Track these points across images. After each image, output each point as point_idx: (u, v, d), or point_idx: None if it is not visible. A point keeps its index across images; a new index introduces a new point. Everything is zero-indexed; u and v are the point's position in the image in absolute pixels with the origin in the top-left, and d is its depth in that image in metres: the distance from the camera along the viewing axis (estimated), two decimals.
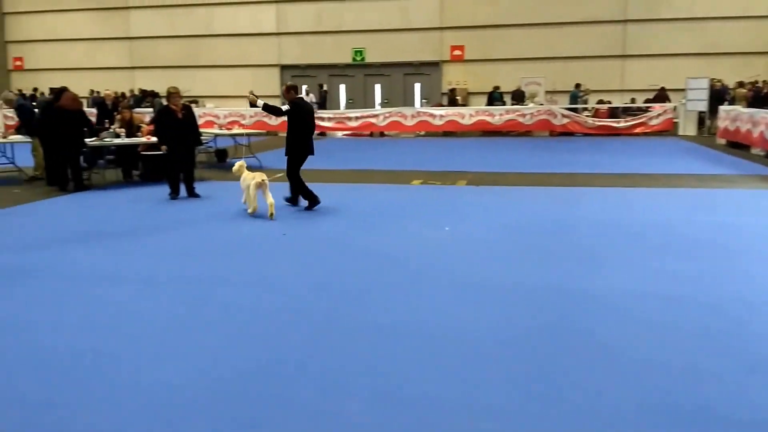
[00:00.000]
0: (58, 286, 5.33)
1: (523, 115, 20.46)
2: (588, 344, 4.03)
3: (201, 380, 3.60)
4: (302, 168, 8.74)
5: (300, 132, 8.54)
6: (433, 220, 7.92)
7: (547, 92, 22.40)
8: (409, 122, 20.97)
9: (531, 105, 21.24)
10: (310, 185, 8.82)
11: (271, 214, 7.85)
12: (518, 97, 22.00)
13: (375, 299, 4.96)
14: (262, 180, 8.02)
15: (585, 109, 21.55)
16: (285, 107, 8.65)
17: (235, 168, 8.76)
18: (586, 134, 20.15)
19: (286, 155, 8.63)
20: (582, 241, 6.76)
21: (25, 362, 3.86)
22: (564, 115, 20.36)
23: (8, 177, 11.53)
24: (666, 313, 4.55)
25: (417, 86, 24.99)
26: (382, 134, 21.70)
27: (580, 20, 22.88)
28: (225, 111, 21.74)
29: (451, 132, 20.97)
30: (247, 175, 8.40)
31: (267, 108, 9.13)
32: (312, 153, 8.84)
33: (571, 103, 21.46)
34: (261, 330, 4.34)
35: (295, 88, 8.81)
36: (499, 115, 20.58)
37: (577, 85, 21.88)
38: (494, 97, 22.02)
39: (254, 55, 24.85)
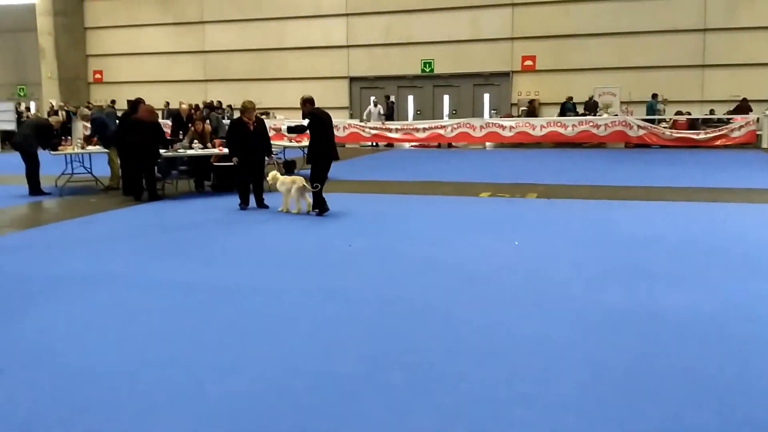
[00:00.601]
0: (130, 295, 5.38)
1: (597, 126, 19.85)
2: (672, 367, 3.76)
3: (269, 391, 3.53)
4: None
5: (321, 140, 8.85)
6: (502, 233, 7.71)
7: (622, 102, 21.68)
8: (478, 133, 20.69)
9: (605, 116, 20.60)
10: (378, 196, 8.75)
11: (309, 211, 8.92)
12: (591, 107, 21.39)
13: (443, 314, 4.80)
14: (303, 185, 8.82)
15: (662, 120, 20.72)
16: (305, 121, 8.91)
17: (270, 178, 9.35)
18: (663, 146, 19.36)
19: (309, 163, 9.01)
20: (659, 257, 6.42)
21: (93, 369, 3.85)
22: (640, 127, 19.64)
23: (86, 186, 11.93)
24: (750, 335, 4.22)
25: (486, 97, 24.67)
26: (449, 145, 21.50)
27: (657, 29, 22.08)
28: (294, 123, 21.96)
29: (522, 143, 20.55)
30: (285, 179, 9.13)
31: (292, 130, 9.93)
32: (336, 158, 9.42)
33: (647, 114, 20.69)
34: (327, 342, 4.25)
35: (311, 101, 9.17)
36: (571, 126, 20.04)
37: (654, 96, 21.07)
38: (567, 108, 21.48)
39: (323, 68, 25.13)
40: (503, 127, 20.60)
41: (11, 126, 22.02)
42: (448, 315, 4.79)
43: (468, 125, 20.82)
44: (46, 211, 9.94)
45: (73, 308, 5.04)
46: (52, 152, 11.48)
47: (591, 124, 19.95)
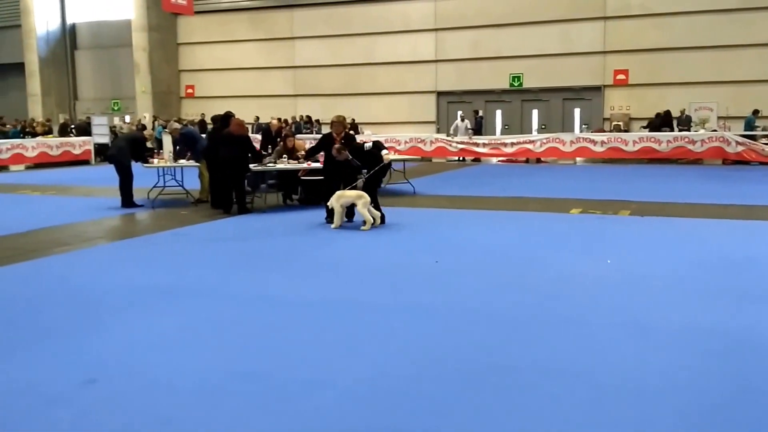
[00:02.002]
0: (218, 307, 5.35)
1: (693, 142, 18.84)
2: None
3: (357, 406, 3.48)
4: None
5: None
6: (594, 251, 7.37)
7: (720, 118, 20.50)
8: (568, 148, 20.02)
9: (701, 131, 19.52)
10: (464, 212, 8.51)
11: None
12: (685, 122, 20.36)
13: (534, 333, 4.63)
14: (360, 195, 8.80)
15: (765, 136, 19.44)
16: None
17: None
18: (763, 163, 18.13)
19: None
20: (761, 279, 5.97)
21: (181, 381, 3.80)
22: (738, 143, 18.46)
23: (177, 199, 12.23)
24: None
25: (576, 111, 23.93)
26: (538, 161, 20.92)
27: (756, 42, 20.82)
28: (381, 137, 21.95)
29: (613, 159, 19.75)
30: (345, 193, 8.93)
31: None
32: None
33: (746, 130, 19.45)
34: (416, 357, 4.17)
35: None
36: (666, 142, 19.08)
37: (755, 112, 19.82)
38: (664, 123, 20.51)
39: (411, 82, 25.10)
40: (594, 142, 19.85)
41: (106, 139, 23.12)
42: (538, 334, 4.63)
43: (558, 140, 20.20)
44: (137, 222, 10.21)
45: (163, 320, 5.04)
46: (144, 165, 11.84)
47: (686, 140, 18.97)
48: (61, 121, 24.45)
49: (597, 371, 3.91)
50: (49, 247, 7.75)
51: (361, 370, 3.99)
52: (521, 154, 20.72)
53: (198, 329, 4.81)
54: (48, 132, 22.45)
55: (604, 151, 19.73)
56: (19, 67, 29.35)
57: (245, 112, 19.71)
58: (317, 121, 24.73)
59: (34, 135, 21.68)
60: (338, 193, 8.81)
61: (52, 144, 20.71)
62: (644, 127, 21.00)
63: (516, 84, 24.07)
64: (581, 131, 22.52)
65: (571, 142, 20.05)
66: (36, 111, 28.53)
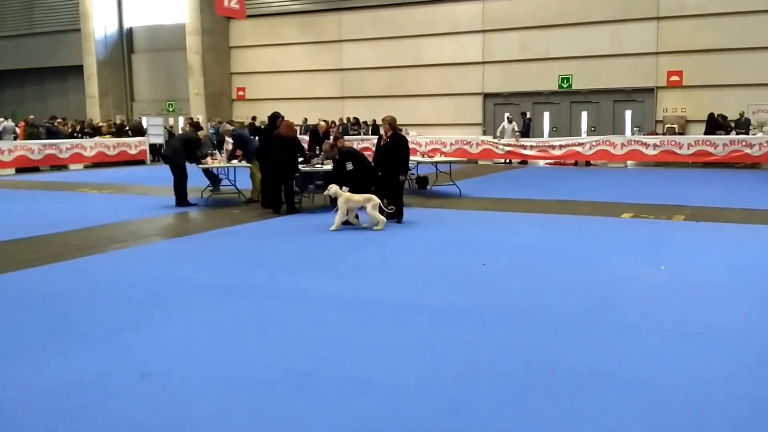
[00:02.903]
0: (268, 305, 5.46)
1: (750, 146, 18.27)
2: None
3: (407, 408, 3.49)
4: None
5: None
6: (646, 256, 7.24)
7: None
8: (619, 151, 19.65)
9: (759, 135, 18.91)
10: (511, 214, 8.41)
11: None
12: (744, 125, 19.74)
13: (586, 339, 4.57)
14: (369, 198, 9.00)
15: None
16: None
17: (332, 192, 9.17)
18: None
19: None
20: None
21: (233, 376, 3.90)
22: None
23: (229, 198, 12.50)
24: None
25: (628, 113, 23.45)
26: (587, 163, 20.60)
27: None
28: (426, 139, 22.08)
29: (666, 162, 19.30)
30: (358, 197, 9.06)
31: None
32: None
33: None
34: (465, 361, 4.17)
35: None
36: (722, 146, 18.55)
37: None
38: (711, 126, 19.97)
39: (457, 84, 25.01)
40: (646, 145, 19.44)
41: (160, 140, 23.78)
42: (591, 339, 4.58)
43: (608, 143, 19.85)
44: (191, 221, 10.47)
45: (216, 316, 5.17)
46: (198, 166, 12.13)
47: (743, 143, 18.42)
48: (118, 122, 25.19)
49: (651, 378, 3.85)
50: (106, 244, 8.03)
51: (410, 370, 4.01)
52: (570, 157, 20.45)
53: (250, 326, 4.92)
54: (112, 133, 23.21)
55: (656, 155, 19.32)
56: (78, 70, 30.37)
57: (293, 114, 19.97)
58: (364, 122, 24.89)
59: (92, 135, 22.41)
60: (346, 196, 8.96)
61: (109, 144, 21.43)
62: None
63: (565, 85, 23.74)
64: (632, 133, 22.07)
65: (622, 144, 19.69)
66: (94, 112, 29.48)
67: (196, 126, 13.98)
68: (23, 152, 18.90)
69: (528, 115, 22.91)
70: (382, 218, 8.94)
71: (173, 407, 3.52)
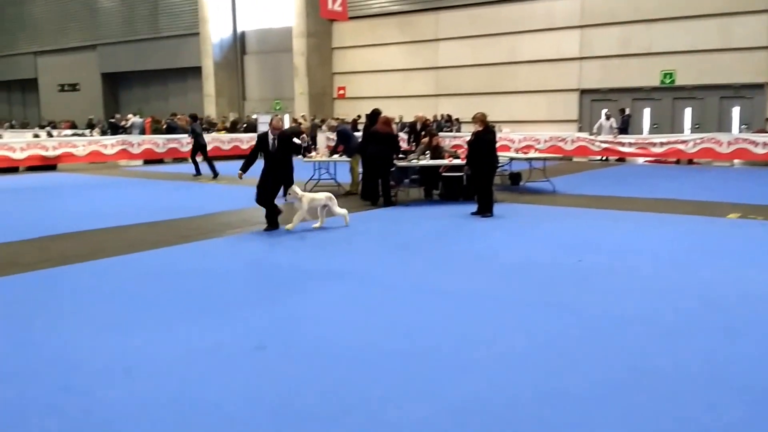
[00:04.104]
0: (367, 291, 5.89)
1: None
2: None
3: (494, 396, 3.66)
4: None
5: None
6: (756, 259, 6.98)
7: None
8: (725, 150, 18.84)
9: None
10: (608, 212, 8.36)
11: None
12: None
13: (683, 340, 4.54)
14: (330, 197, 9.12)
15: None
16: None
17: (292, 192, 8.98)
18: None
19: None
20: None
21: (340, 353, 4.31)
22: None
23: (329, 191, 13.12)
24: None
25: (735, 110, 22.38)
26: (690, 162, 19.90)
27: None
28: (520, 135, 22.05)
29: None
30: (317, 196, 9.15)
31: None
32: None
33: None
34: (557, 357, 4.26)
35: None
36: None
37: None
38: None
39: (553, 80, 24.74)
40: (756, 144, 18.51)
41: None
42: (689, 341, 4.51)
43: (713, 140, 19.07)
44: (295, 211, 11.13)
45: (320, 299, 5.64)
46: (303, 159, 12.86)
47: None
48: (232, 119, 26.71)
49: (748, 384, 3.79)
50: (223, 229, 8.79)
51: (504, 360, 4.18)
52: (671, 155, 19.82)
53: (350, 308, 5.36)
54: (226, 129, 24.82)
55: (766, 154, 18.40)
56: (197, 71, 32.58)
57: (389, 112, 20.45)
58: (457, 119, 25.13)
59: (208, 131, 23.96)
60: (309, 195, 9.07)
61: (224, 139, 22.99)
62: None
63: (668, 81, 22.97)
64: (740, 131, 21.08)
65: (729, 142, 18.86)
66: (210, 110, 31.49)
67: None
68: (150, 145, 20.70)
69: (627, 111, 22.36)
70: (344, 210, 9.19)
71: (285, 378, 3.95)
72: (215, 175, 15.83)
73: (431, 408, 3.50)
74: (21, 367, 4.10)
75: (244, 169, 9.01)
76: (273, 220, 8.90)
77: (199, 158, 16.43)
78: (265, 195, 8.83)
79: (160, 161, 21.12)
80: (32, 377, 3.94)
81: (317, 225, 8.93)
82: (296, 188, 8.89)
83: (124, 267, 6.87)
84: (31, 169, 18.74)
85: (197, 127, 17.18)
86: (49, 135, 23.24)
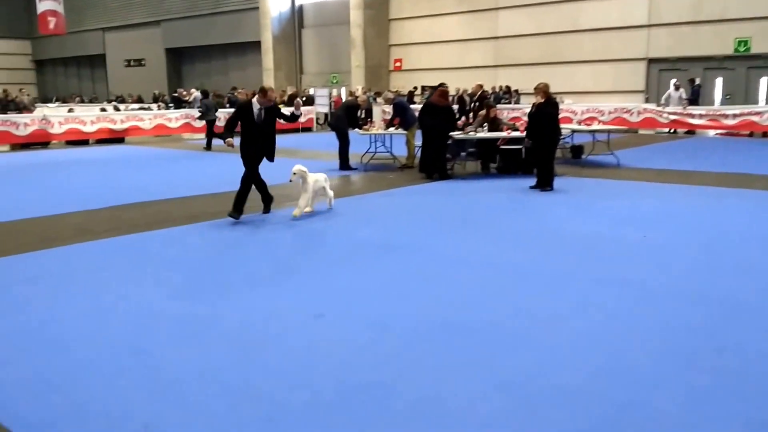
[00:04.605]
0: (421, 263, 5.91)
1: None
2: None
3: (555, 370, 3.65)
4: None
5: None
6: None
7: None
8: None
9: None
10: (675, 186, 8.08)
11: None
12: None
13: (759, 318, 4.40)
14: (326, 177, 8.47)
15: None
16: None
17: (297, 171, 7.96)
18: None
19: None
20: None
21: (393, 324, 4.37)
22: None
23: (385, 164, 13.17)
24: None
25: None
26: (765, 135, 19.00)
27: None
28: (583, 107, 21.47)
29: None
30: (317, 176, 8.19)
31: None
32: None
33: None
34: (620, 334, 4.19)
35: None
36: None
37: None
38: None
39: (618, 49, 23.89)
40: None
41: (325, 109, 25.33)
42: (760, 323, 4.33)
43: None
44: (352, 184, 11.24)
45: (374, 271, 5.71)
46: (359, 132, 12.91)
47: None
48: (289, 92, 26.96)
49: None
50: (282, 201, 8.93)
51: (564, 335, 4.14)
52: (744, 127, 18.95)
53: (406, 281, 5.39)
54: (284, 102, 25.05)
55: None
56: (256, 45, 32.96)
57: (449, 84, 20.23)
58: (516, 91, 24.63)
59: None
60: (315, 176, 8.13)
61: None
62: None
63: (742, 49, 21.87)
64: None
65: None
66: (269, 84, 31.75)
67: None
68: None
69: (697, 81, 21.46)
70: (332, 193, 8.58)
71: (341, 346, 4.03)
72: (208, 147, 17.16)
73: (489, 381, 3.51)
74: (94, 331, 4.31)
75: (229, 135, 8.03)
76: (267, 199, 8.34)
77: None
78: (254, 171, 8.05)
79: (221, 135, 21.54)
80: (105, 340, 4.14)
81: (308, 209, 8.05)
82: (303, 167, 7.99)
83: (188, 236, 7.10)
84: (100, 141, 19.47)
85: (209, 102, 18.09)
86: (116, 109, 24.00)
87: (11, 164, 14.58)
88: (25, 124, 17.90)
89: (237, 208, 7.74)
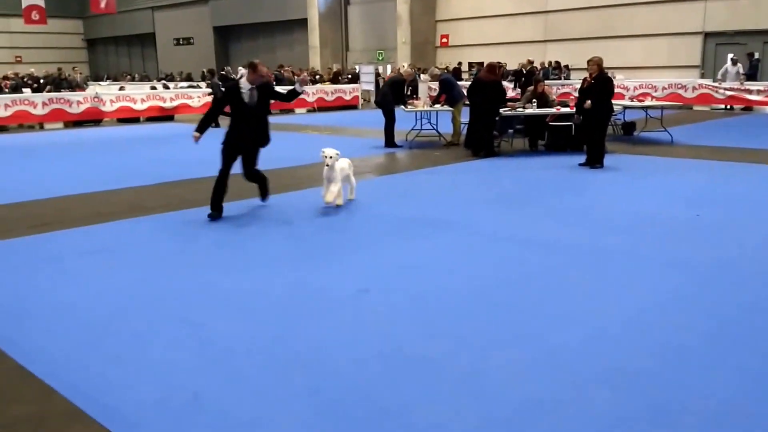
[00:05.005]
0: (467, 240, 5.89)
1: None
2: None
3: (600, 348, 3.61)
4: None
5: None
6: None
7: None
8: None
9: None
10: (731, 164, 7.81)
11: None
12: None
13: None
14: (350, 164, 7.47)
15: None
16: None
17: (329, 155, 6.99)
18: None
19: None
20: None
21: (441, 299, 4.37)
22: None
23: (431, 141, 13.09)
24: None
25: None
26: None
27: None
28: (635, 82, 20.88)
29: None
30: (343, 164, 7.26)
31: None
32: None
33: None
34: (670, 312, 4.12)
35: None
36: None
37: None
38: None
39: (673, 23, 23.08)
40: None
41: (371, 86, 25.21)
42: None
43: None
44: (398, 161, 11.21)
45: (419, 247, 5.70)
46: (405, 109, 12.83)
47: None
48: (335, 70, 26.99)
49: None
50: (311, 182, 8.97)
51: (613, 313, 4.08)
52: None
53: (452, 257, 5.38)
54: (330, 80, 25.16)
55: None
56: (302, 23, 33.06)
57: (495, 60, 19.92)
58: (566, 66, 24.06)
59: (314, 82, 24.36)
60: (340, 164, 7.13)
61: (328, 90, 23.32)
62: None
63: None
64: None
65: None
66: (315, 61, 31.92)
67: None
68: None
69: (756, 56, 20.60)
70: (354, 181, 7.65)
71: (388, 320, 4.06)
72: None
73: (535, 358, 3.49)
74: (147, 303, 4.43)
75: (201, 129, 6.90)
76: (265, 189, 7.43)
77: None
78: (251, 165, 7.13)
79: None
80: (157, 312, 4.25)
81: (338, 202, 7.22)
82: (334, 151, 6.99)
83: (236, 212, 7.20)
84: (150, 119, 19.87)
85: (215, 83, 18.10)
86: (166, 87, 24.41)
87: (65, 141, 15.02)
88: (78, 102, 18.38)
89: (214, 207, 6.82)
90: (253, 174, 7.17)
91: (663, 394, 3.07)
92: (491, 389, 3.14)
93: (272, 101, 7.17)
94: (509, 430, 2.80)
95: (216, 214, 6.79)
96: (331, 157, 6.86)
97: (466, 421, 2.87)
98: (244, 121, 6.80)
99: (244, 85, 6.74)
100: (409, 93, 14.78)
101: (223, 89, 5.89)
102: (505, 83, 16.34)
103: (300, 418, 2.93)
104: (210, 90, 18.98)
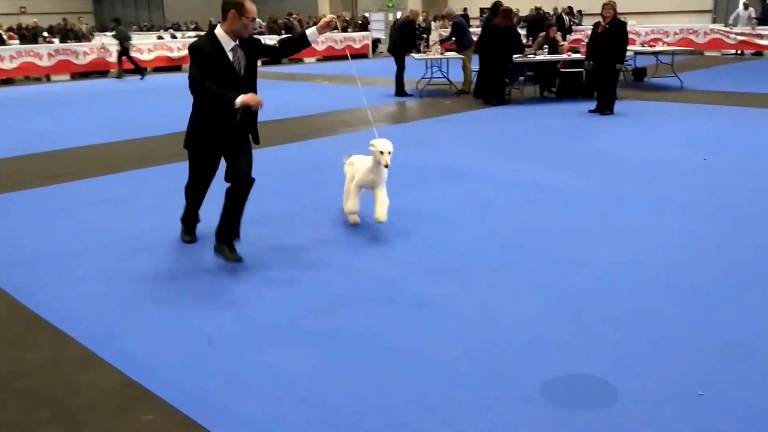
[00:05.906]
0: (481, 188, 5.91)
1: None
2: None
3: (608, 290, 3.66)
4: None
5: None
6: None
7: None
8: None
9: None
10: (741, 109, 7.70)
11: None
12: None
13: None
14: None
15: None
16: None
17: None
18: None
19: None
20: None
21: (462, 244, 4.43)
22: None
23: (441, 90, 12.97)
24: None
25: None
26: None
27: None
28: (647, 28, 20.47)
29: None
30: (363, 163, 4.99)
31: None
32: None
33: None
34: (681, 257, 4.16)
35: None
36: None
37: None
38: None
39: None
40: None
41: (381, 34, 24.85)
42: None
43: None
44: (408, 110, 11.15)
45: (436, 195, 5.72)
46: (416, 57, 12.66)
47: None
48: (346, 17, 26.61)
49: None
50: (338, 127, 8.99)
51: (621, 254, 4.14)
52: None
53: (464, 205, 5.41)
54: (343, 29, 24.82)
55: None
56: None
57: (510, 5, 19.46)
58: (579, 11, 23.55)
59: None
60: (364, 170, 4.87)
61: (337, 38, 22.94)
62: None
63: None
64: None
65: None
66: (324, 9, 31.38)
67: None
68: None
69: None
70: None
71: (399, 268, 4.15)
72: (141, 75, 17.70)
73: (546, 304, 3.55)
74: (162, 250, 4.51)
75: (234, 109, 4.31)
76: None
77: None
78: (247, 163, 4.54)
79: (277, 62, 21.46)
80: (172, 257, 4.33)
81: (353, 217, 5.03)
82: (390, 144, 4.66)
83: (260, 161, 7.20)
84: (158, 70, 19.72)
85: (123, 30, 18.15)
86: (173, 37, 24.13)
87: (72, 93, 14.98)
88: (84, 53, 18.24)
89: (189, 230, 4.79)
90: (248, 179, 4.49)
91: (668, 332, 3.14)
92: (501, 334, 3.19)
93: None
94: (515, 367, 2.87)
95: (191, 239, 4.74)
96: (390, 153, 4.60)
97: (472, 358, 2.96)
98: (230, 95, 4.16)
99: (225, 41, 4.20)
100: (421, 32, 14.50)
101: (194, 49, 4.17)
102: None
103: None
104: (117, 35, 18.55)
